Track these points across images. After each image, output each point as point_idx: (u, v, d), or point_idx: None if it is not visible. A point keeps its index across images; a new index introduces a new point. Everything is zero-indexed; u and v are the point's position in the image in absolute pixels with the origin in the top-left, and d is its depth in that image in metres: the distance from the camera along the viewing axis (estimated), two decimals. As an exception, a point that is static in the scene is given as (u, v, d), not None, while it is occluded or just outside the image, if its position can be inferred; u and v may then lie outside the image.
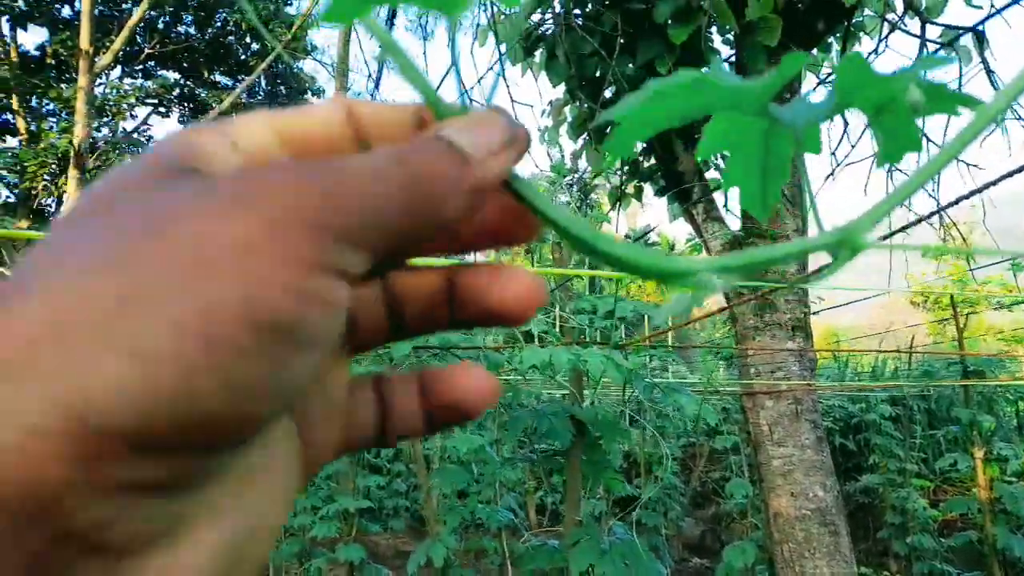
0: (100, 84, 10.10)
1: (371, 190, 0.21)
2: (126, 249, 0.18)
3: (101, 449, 0.16)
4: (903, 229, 1.65)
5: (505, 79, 3.51)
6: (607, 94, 3.41)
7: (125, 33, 7.45)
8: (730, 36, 3.47)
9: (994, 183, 1.33)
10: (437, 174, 0.23)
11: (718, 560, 3.81)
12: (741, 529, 5.35)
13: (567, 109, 3.80)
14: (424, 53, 3.99)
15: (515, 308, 0.27)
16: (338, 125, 0.26)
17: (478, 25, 3.69)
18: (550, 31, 3.41)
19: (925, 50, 3.46)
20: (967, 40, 3.51)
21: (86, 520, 0.17)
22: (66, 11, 11.24)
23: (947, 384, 4.80)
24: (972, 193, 1.40)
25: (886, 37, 3.65)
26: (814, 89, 3.95)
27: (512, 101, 3.47)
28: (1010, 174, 1.50)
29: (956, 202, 1.63)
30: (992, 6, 3.47)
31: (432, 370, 0.28)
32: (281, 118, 0.26)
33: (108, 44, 8.11)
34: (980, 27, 3.36)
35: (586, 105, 3.38)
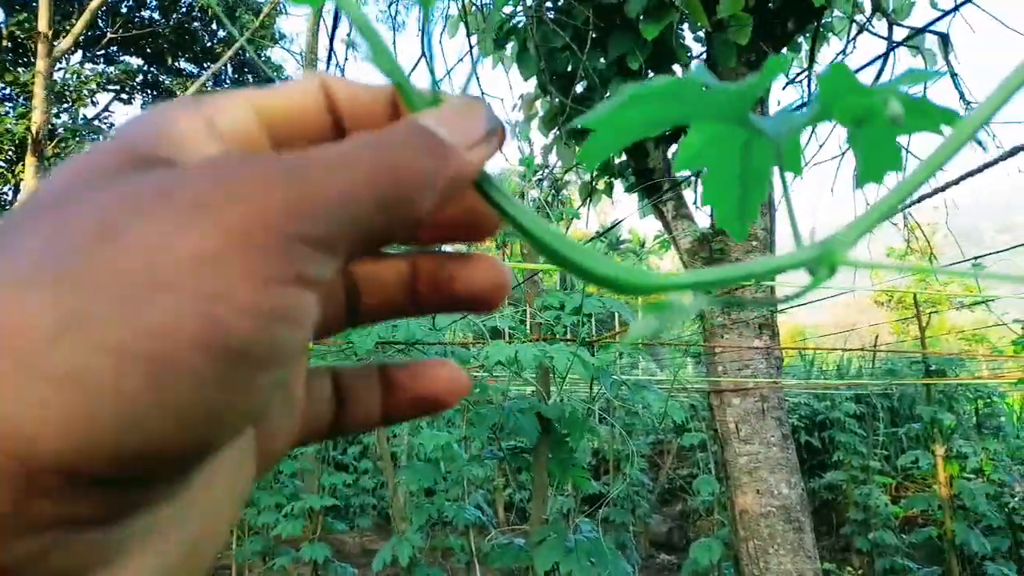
0: (60, 69, 9.83)
1: (343, 186, 0.19)
2: (71, 258, 0.16)
3: (34, 485, 0.15)
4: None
5: (475, 72, 3.47)
6: (578, 89, 3.39)
7: (86, 16, 7.25)
8: (701, 33, 3.47)
9: (955, 182, 1.33)
10: (415, 166, 0.21)
11: (685, 556, 3.83)
12: (708, 526, 5.39)
13: (538, 103, 3.77)
14: (394, 43, 3.93)
15: (483, 295, 0.26)
16: (315, 103, 0.25)
17: (448, 16, 3.65)
18: (521, 24, 3.37)
19: (893, 52, 3.49)
20: (932, 43, 3.56)
21: (15, 555, 0.15)
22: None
23: (910, 383, 4.88)
24: (935, 192, 1.40)
25: (854, 38, 3.69)
26: (784, 88, 3.97)
27: (483, 93, 3.43)
28: (970, 173, 1.50)
29: (919, 200, 1.63)
30: (956, 8, 3.52)
31: (401, 363, 0.27)
32: (260, 96, 0.24)
33: (68, 27, 7.89)
34: (945, 31, 3.40)
35: (557, 99, 3.36)
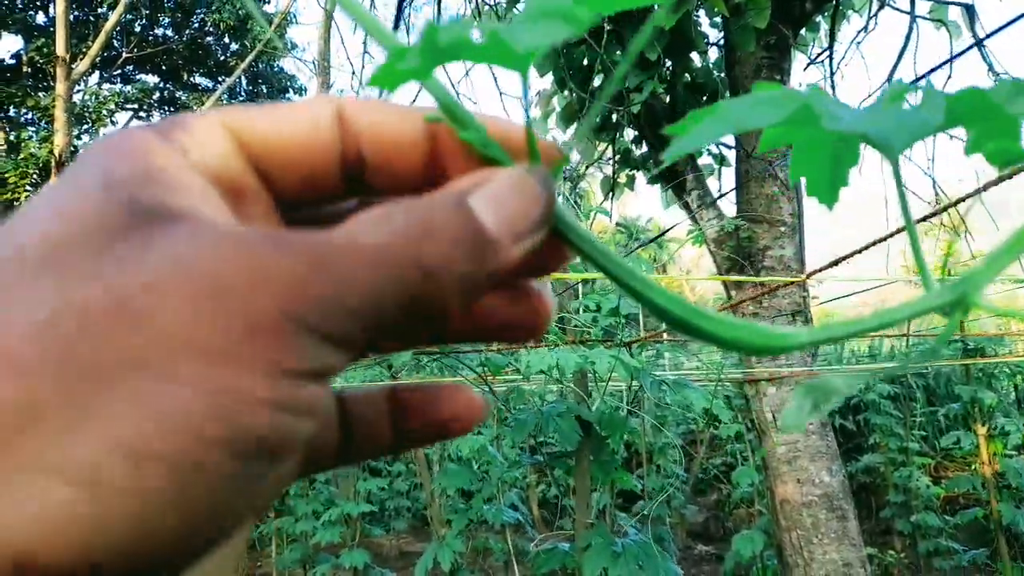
0: (79, 91, 9.96)
1: (370, 284, 0.18)
2: (80, 340, 0.15)
3: None
4: (922, 220, 1.61)
5: (493, 72, 3.45)
6: (596, 82, 3.36)
7: (102, 38, 7.34)
8: (718, 19, 3.42)
9: (1009, 176, 1.28)
10: (452, 268, 0.19)
11: (722, 546, 3.80)
12: (745, 515, 5.34)
13: (555, 99, 3.75)
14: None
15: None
16: (325, 139, 0.21)
17: (461, 16, 3.63)
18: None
19: (915, 25, 3.42)
20: (956, 15, 3.48)
21: None
22: (40, 18, 11.07)
23: (948, 364, 4.80)
24: (979, 190, 1.36)
25: (875, 14, 3.62)
26: (805, 69, 3.90)
27: (500, 93, 3.42)
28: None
29: (961, 200, 1.59)
30: (982, -21, 3.44)
31: (413, 387, 0.25)
32: (245, 122, 0.21)
33: (85, 50, 7.99)
34: (970, 1, 3.32)
35: (575, 94, 3.33)
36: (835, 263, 1.79)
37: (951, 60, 3.42)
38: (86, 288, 0.16)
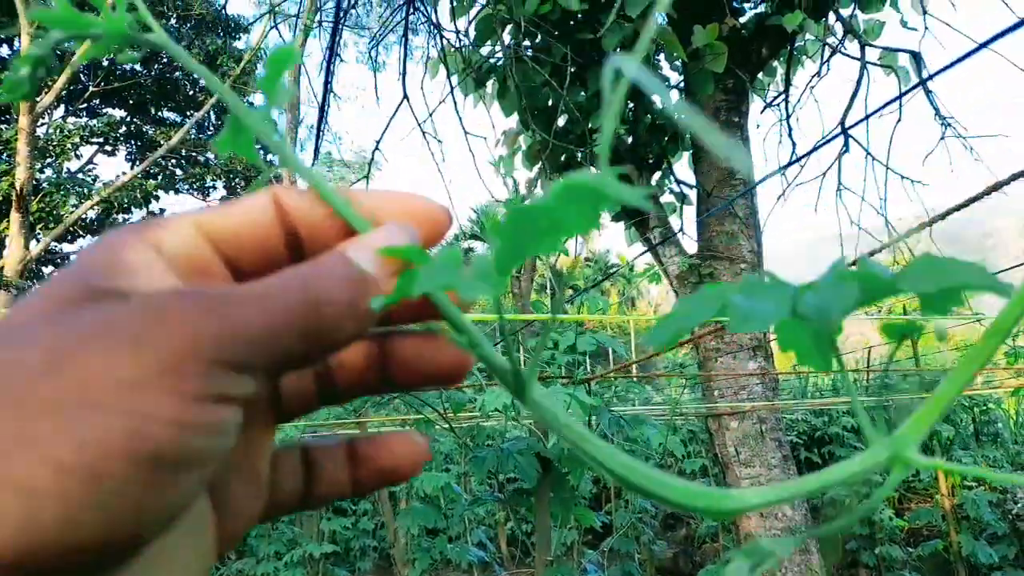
0: (42, 124, 9.84)
1: (263, 317, 0.22)
2: (23, 386, 0.19)
3: None
4: (874, 253, 1.67)
5: (457, 111, 3.50)
6: (560, 122, 3.43)
7: (68, 71, 7.29)
8: (678, 63, 3.53)
9: (962, 207, 1.34)
10: (334, 299, 0.23)
11: (692, 584, 3.78)
12: (713, 550, 5.34)
13: (521, 138, 3.81)
14: (376, 86, 3.97)
15: (450, 372, 0.28)
16: (267, 222, 0.26)
17: (428, 58, 3.69)
18: (501, 62, 3.42)
19: (866, 71, 3.56)
20: (905, 61, 3.63)
21: None
22: (3, 50, 10.97)
23: (906, 397, 4.89)
24: (931, 222, 1.42)
25: (828, 60, 3.76)
26: (762, 111, 4.03)
27: (465, 133, 3.46)
28: (958, 207, 1.53)
29: (910, 233, 1.65)
30: (926, 27, 3.60)
31: (366, 437, 0.29)
32: (209, 217, 0.26)
33: (50, 83, 7.92)
34: (917, 49, 3.47)
35: (539, 134, 3.40)
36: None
37: (900, 103, 3.56)
38: (30, 343, 0.20)
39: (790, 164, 3.31)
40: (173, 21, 11.25)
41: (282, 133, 0.29)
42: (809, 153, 2.63)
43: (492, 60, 3.47)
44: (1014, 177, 1.31)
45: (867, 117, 2.74)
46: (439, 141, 3.49)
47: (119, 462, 0.19)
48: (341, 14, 4.02)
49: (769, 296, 0.25)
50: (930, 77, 3.09)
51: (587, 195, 0.21)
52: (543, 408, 0.26)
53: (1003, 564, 4.42)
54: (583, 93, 3.33)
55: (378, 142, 3.39)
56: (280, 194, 0.27)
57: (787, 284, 0.26)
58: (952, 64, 1.67)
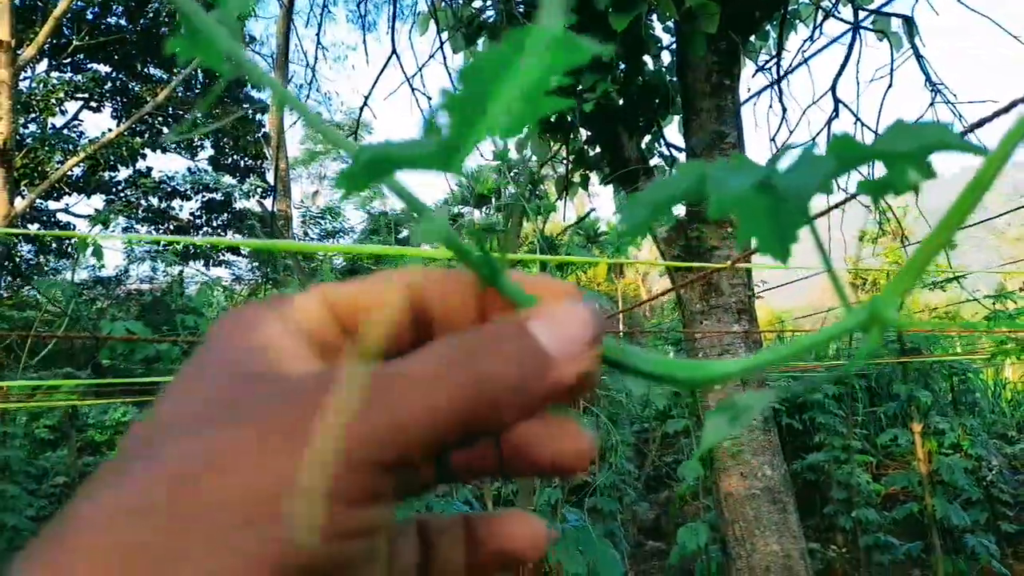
0: (25, 78, 9.65)
1: (424, 408, 0.20)
2: (163, 504, 0.18)
3: None
4: (837, 206, 1.68)
5: (447, 68, 3.47)
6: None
7: (50, 24, 7.14)
8: (670, 24, 3.50)
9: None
10: (506, 379, 0.21)
11: (673, 543, 3.87)
12: (693, 511, 5.45)
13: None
14: (364, 42, 3.92)
15: (569, 464, 0.25)
16: (396, 304, 0.25)
17: (417, 13, 3.64)
18: (491, 19, 3.38)
19: (858, 35, 3.54)
20: (897, 26, 3.62)
21: None
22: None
23: (885, 363, 4.96)
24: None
25: (821, 24, 3.74)
26: (753, 75, 4.01)
27: (455, 90, 3.43)
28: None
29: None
30: (921, -7, 3.58)
31: (479, 518, 0.27)
32: (337, 294, 0.25)
33: (32, 36, 7.76)
34: (910, 13, 3.46)
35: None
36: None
37: (892, 69, 3.55)
38: (173, 458, 0.19)
39: (783, 117, 3.30)
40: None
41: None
42: (799, 120, 2.63)
43: (483, 16, 3.43)
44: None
45: (842, 69, 2.73)
46: (428, 98, 3.46)
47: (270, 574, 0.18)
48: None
49: (743, 170, 0.25)
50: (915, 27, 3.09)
51: (545, 45, 0.21)
52: (518, 294, 0.26)
53: (975, 528, 4.54)
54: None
55: (366, 98, 3.36)
56: (411, 277, 0.25)
57: (761, 165, 0.25)
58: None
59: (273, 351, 0.22)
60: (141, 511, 0.18)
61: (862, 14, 3.52)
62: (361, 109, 3.43)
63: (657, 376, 0.25)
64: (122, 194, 12.54)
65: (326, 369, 0.22)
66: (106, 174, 11.64)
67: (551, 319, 0.22)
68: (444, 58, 3.39)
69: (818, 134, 3.63)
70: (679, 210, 3.42)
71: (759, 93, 3.74)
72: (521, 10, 3.24)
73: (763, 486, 3.18)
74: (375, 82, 3.31)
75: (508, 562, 0.26)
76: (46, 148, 9.75)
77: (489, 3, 3.38)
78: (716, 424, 0.25)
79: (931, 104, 3.50)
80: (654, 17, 3.55)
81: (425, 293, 0.25)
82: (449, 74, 3.45)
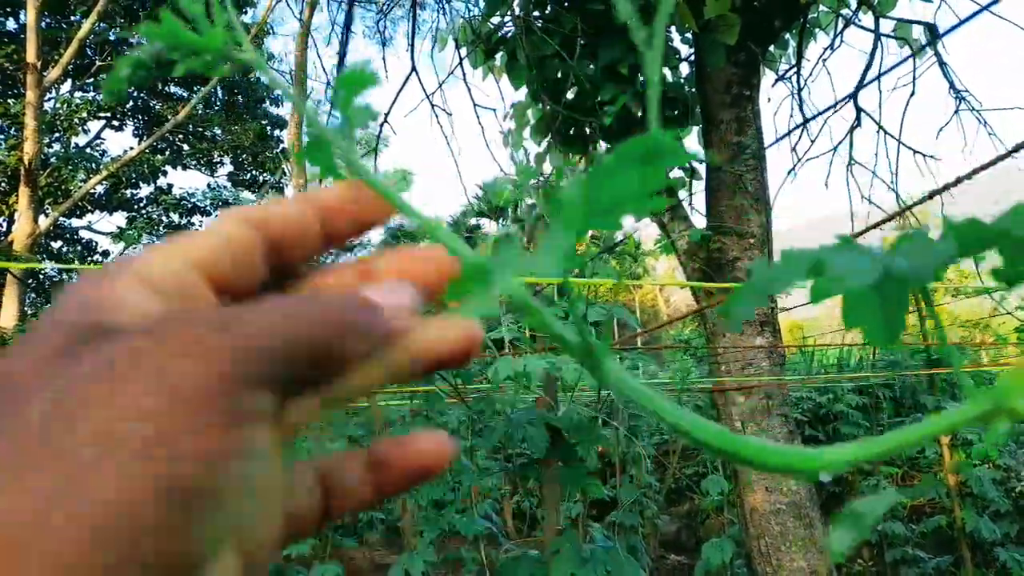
0: (50, 99, 9.82)
1: (278, 329, 0.21)
2: (38, 451, 0.18)
3: None
4: (870, 229, 1.66)
5: (467, 83, 3.48)
6: (569, 95, 3.40)
7: (74, 46, 7.26)
8: (689, 35, 3.49)
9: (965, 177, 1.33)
10: (347, 317, 0.24)
11: (695, 556, 3.82)
12: (717, 525, 5.39)
13: (530, 111, 3.79)
14: (383, 59, 3.94)
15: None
16: (250, 241, 0.27)
17: (438, 29, 3.66)
18: (510, 33, 3.39)
19: (879, 43, 3.51)
20: (919, 33, 3.58)
21: None
22: (11, 24, 10.92)
23: (912, 374, 4.89)
24: (940, 191, 1.41)
25: (841, 32, 3.71)
26: (773, 84, 3.99)
27: (474, 105, 3.44)
28: (975, 171, 1.51)
29: (921, 201, 1.64)
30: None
31: (387, 442, 0.28)
32: (192, 244, 0.26)
33: (57, 57, 7.90)
34: (932, 21, 3.42)
35: (549, 107, 3.37)
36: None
37: (914, 76, 3.52)
38: (33, 403, 0.19)
39: (804, 123, 3.28)
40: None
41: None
42: (818, 114, 2.61)
43: (502, 32, 3.44)
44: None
45: (875, 79, 2.71)
46: (448, 114, 3.47)
47: (147, 507, 0.17)
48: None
49: (858, 256, 0.24)
50: (944, 33, 3.05)
51: (644, 154, 0.21)
52: (623, 382, 0.26)
53: (1005, 541, 4.44)
54: (593, 65, 3.30)
55: (386, 115, 3.38)
56: (257, 213, 0.27)
57: (868, 247, 0.25)
58: (962, 22, 1.65)
59: (118, 304, 0.22)
60: (11, 472, 0.17)
61: (883, 22, 3.49)
62: (380, 126, 3.45)
63: (772, 467, 0.24)
64: (144, 211, 12.70)
65: (170, 310, 0.23)
66: (128, 191, 11.80)
67: (378, 288, 0.27)
68: (463, 74, 3.41)
69: (840, 143, 3.60)
70: (702, 224, 3.40)
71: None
72: (540, 24, 3.25)
73: (788, 501, 3.13)
74: (395, 99, 3.33)
75: (417, 480, 0.28)
76: (69, 167, 9.90)
77: (508, 19, 3.39)
78: (841, 536, 0.24)
79: (956, 111, 3.46)
80: (672, 28, 3.55)
81: (271, 227, 0.28)
82: (468, 88, 3.45)
